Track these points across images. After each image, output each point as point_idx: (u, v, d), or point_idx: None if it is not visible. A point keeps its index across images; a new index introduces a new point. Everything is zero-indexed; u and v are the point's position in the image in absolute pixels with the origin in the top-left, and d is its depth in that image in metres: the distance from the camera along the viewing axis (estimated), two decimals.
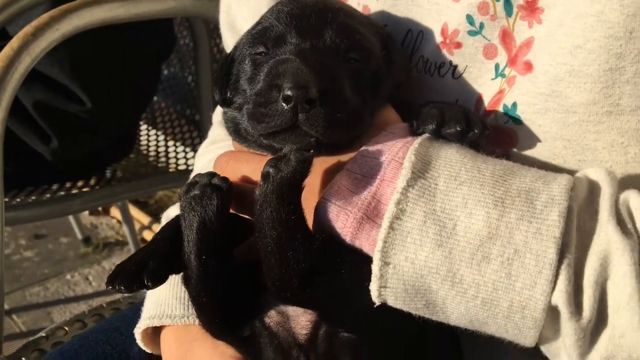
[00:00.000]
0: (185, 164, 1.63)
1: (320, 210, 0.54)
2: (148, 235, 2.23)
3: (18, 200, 1.38)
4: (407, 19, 0.70)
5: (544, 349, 0.53)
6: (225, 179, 0.58)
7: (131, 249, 2.08)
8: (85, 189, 1.46)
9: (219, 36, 1.37)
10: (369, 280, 0.51)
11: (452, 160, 0.52)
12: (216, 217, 0.55)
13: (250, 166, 0.63)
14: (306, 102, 0.53)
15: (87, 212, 2.50)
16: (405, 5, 0.70)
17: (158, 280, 0.56)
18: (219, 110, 1.00)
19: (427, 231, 0.49)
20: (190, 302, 0.67)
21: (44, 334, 0.99)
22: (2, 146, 1.02)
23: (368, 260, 0.52)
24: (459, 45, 0.64)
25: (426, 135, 0.56)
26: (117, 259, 2.25)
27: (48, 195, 1.41)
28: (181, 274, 0.59)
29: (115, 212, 2.46)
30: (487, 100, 0.63)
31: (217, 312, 0.59)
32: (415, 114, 0.59)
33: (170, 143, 1.72)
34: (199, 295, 0.57)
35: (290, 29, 0.59)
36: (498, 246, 0.48)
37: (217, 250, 0.56)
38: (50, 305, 2.08)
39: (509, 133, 0.60)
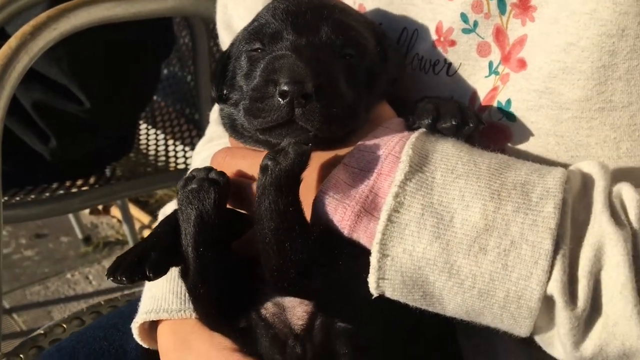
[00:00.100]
0: (185, 162, 1.63)
1: (319, 204, 0.55)
2: None
3: (17, 198, 1.38)
4: (402, 17, 0.71)
5: (538, 338, 0.54)
6: (222, 173, 0.59)
7: None
8: (84, 188, 1.47)
9: (218, 35, 1.38)
10: (366, 271, 0.52)
11: (448, 154, 0.53)
12: (213, 211, 0.56)
13: (246, 162, 0.63)
14: (302, 97, 0.54)
15: (87, 212, 2.51)
16: (400, 3, 0.70)
17: (159, 271, 0.57)
18: (215, 108, 1.00)
19: (425, 223, 0.50)
20: (186, 297, 0.67)
21: (42, 332, 0.99)
22: (0, 144, 1.02)
23: (365, 252, 0.53)
24: (453, 43, 0.65)
25: (422, 129, 0.56)
26: None
27: (47, 194, 1.41)
28: (179, 266, 0.60)
29: (115, 211, 2.47)
30: (481, 97, 0.63)
31: (214, 304, 0.60)
32: (411, 109, 0.59)
33: (170, 142, 1.73)
34: (196, 287, 0.58)
35: (286, 26, 0.60)
36: (495, 238, 0.49)
37: (214, 243, 0.57)
38: (50, 304, 2.09)
39: (502, 129, 0.61)
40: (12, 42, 0.99)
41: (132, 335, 0.73)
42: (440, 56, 0.66)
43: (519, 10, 0.59)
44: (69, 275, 2.22)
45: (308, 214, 0.56)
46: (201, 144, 0.95)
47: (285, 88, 0.54)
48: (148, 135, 1.77)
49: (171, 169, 1.63)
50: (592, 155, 0.57)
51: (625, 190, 0.52)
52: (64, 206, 1.43)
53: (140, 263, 0.56)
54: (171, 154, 1.69)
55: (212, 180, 0.58)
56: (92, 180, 1.51)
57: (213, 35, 1.51)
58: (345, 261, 0.54)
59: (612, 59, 0.53)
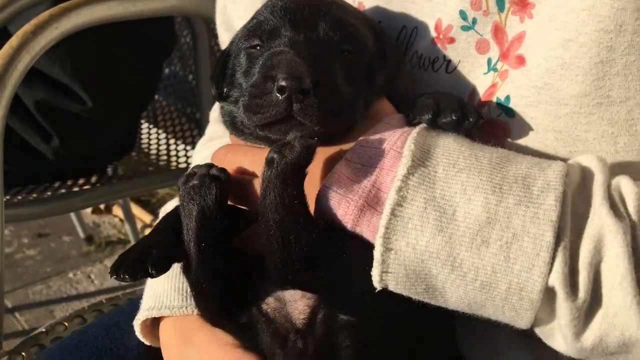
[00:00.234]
0: (186, 162, 1.64)
1: (322, 198, 0.55)
2: None
3: (19, 197, 1.39)
4: (401, 15, 0.71)
5: (538, 330, 0.54)
6: (223, 170, 0.60)
7: None
8: (86, 187, 1.47)
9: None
10: (369, 265, 0.52)
11: (450, 148, 0.54)
12: (215, 207, 0.57)
13: (247, 158, 0.64)
14: (300, 92, 0.55)
15: (89, 211, 2.52)
16: (399, 1, 0.70)
17: (162, 268, 0.57)
18: (216, 107, 1.01)
19: (428, 217, 0.51)
20: (188, 293, 0.68)
21: (43, 329, 1.00)
22: (2, 143, 1.02)
23: (368, 246, 0.53)
24: (452, 40, 0.65)
25: (423, 125, 0.57)
26: None
27: (49, 193, 1.42)
28: (181, 263, 0.60)
29: (117, 210, 2.47)
30: (480, 94, 0.64)
31: (216, 299, 0.60)
32: (411, 105, 0.60)
33: (172, 141, 1.73)
34: (199, 282, 0.59)
35: (284, 22, 0.60)
36: (497, 230, 0.50)
37: (216, 238, 0.58)
38: (52, 303, 2.09)
39: (501, 125, 0.61)
40: (13, 41, 1.00)
41: (133, 332, 0.73)
42: (439, 53, 0.66)
43: (518, 8, 0.60)
44: (71, 275, 2.23)
45: (311, 208, 0.56)
46: (201, 143, 0.96)
47: (283, 83, 0.54)
48: (150, 134, 1.78)
49: (173, 168, 1.63)
50: (590, 150, 0.57)
51: (624, 183, 0.53)
52: (66, 205, 1.44)
53: (142, 260, 0.57)
54: (173, 153, 1.69)
55: (213, 176, 0.58)
56: (94, 179, 1.51)
57: (214, 34, 1.51)
58: (349, 254, 0.54)
59: (610, 54, 0.53)
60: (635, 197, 0.51)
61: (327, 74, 0.57)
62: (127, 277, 0.55)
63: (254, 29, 0.63)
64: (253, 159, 0.63)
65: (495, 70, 0.62)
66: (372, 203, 0.54)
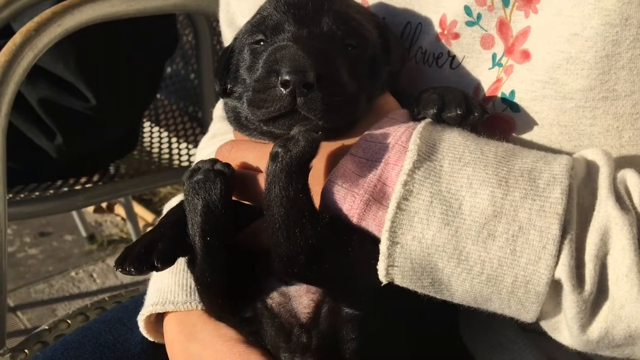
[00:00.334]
0: (188, 160, 1.64)
1: (327, 192, 0.55)
2: None
3: (22, 195, 1.39)
4: (405, 11, 0.71)
5: (543, 324, 0.55)
6: (227, 165, 0.60)
7: None
8: (88, 185, 1.47)
9: (221, 33, 1.39)
10: (374, 259, 0.52)
11: (455, 142, 0.54)
12: (220, 201, 0.57)
13: (252, 154, 0.64)
14: (304, 86, 0.55)
15: (91, 210, 2.52)
16: None
17: (167, 261, 0.57)
18: (219, 105, 1.01)
19: (434, 211, 0.51)
20: (192, 289, 0.68)
21: (46, 327, 1.00)
22: (4, 141, 1.02)
23: (373, 240, 0.53)
24: (456, 35, 0.65)
25: (428, 119, 0.57)
26: None
27: (52, 191, 1.42)
28: (185, 258, 0.60)
29: (119, 209, 2.48)
30: (484, 89, 0.64)
31: (220, 293, 0.60)
32: (416, 100, 0.60)
33: (173, 140, 1.73)
34: (203, 276, 0.59)
35: (288, 17, 0.61)
36: (503, 224, 0.50)
37: (221, 232, 0.58)
38: (54, 302, 2.09)
39: (506, 120, 0.61)
40: (16, 38, 1.00)
41: (137, 328, 0.74)
42: (444, 49, 0.66)
43: (522, 3, 0.60)
44: (73, 274, 2.23)
45: (315, 203, 0.56)
46: (205, 140, 0.96)
47: (287, 78, 0.54)
48: (152, 133, 1.78)
49: (175, 166, 1.63)
50: (595, 144, 0.57)
51: (629, 176, 0.53)
52: (69, 203, 1.43)
53: (148, 253, 0.57)
54: (175, 151, 1.69)
55: (218, 171, 0.58)
56: (96, 177, 1.51)
57: (216, 32, 1.52)
58: (354, 248, 0.54)
59: (615, 48, 0.53)
60: None
61: (331, 68, 0.57)
62: (132, 270, 0.56)
63: (258, 25, 0.63)
64: (257, 155, 0.63)
65: (500, 65, 0.62)
66: (377, 197, 0.54)
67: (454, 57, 0.66)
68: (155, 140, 1.75)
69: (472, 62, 0.64)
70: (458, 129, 0.56)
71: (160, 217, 0.67)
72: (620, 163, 0.56)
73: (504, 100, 0.61)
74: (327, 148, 0.60)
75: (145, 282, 0.78)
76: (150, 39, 1.43)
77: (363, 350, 0.57)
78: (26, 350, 0.97)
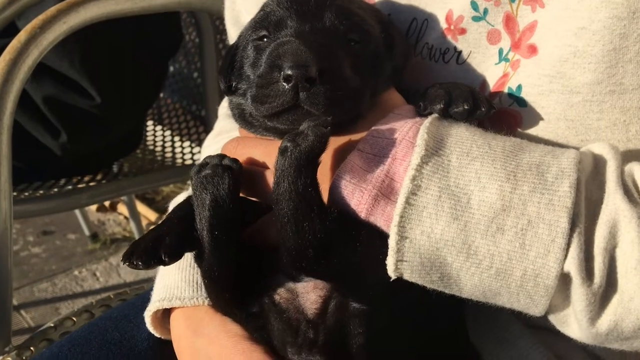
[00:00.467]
0: (192, 159, 1.64)
1: (335, 188, 0.55)
2: None
3: (26, 194, 1.39)
4: (411, 7, 0.71)
5: (552, 317, 0.55)
6: (235, 160, 0.60)
7: None
8: (92, 184, 1.47)
9: (224, 31, 1.39)
10: (382, 254, 0.52)
11: (463, 137, 0.54)
12: (228, 196, 0.57)
13: (258, 150, 0.64)
14: (306, 80, 0.55)
15: (94, 209, 2.52)
16: None
17: (174, 255, 0.57)
18: (224, 103, 1.01)
19: (443, 205, 0.51)
20: (199, 284, 0.68)
21: (52, 324, 1.00)
22: (10, 139, 1.03)
23: (382, 235, 0.53)
24: (463, 31, 0.65)
25: (435, 115, 0.57)
26: None
27: (55, 190, 1.42)
28: (192, 254, 0.61)
29: (122, 208, 2.48)
30: (491, 84, 0.64)
31: (227, 288, 0.60)
32: (422, 96, 0.60)
33: (177, 138, 1.73)
34: (211, 270, 0.59)
35: (290, 13, 0.61)
36: (512, 217, 0.50)
37: (228, 227, 0.58)
38: (58, 300, 2.10)
39: (513, 115, 0.61)
40: (21, 35, 1.00)
41: (143, 325, 0.74)
42: (450, 45, 0.66)
43: None
44: (76, 272, 2.23)
45: (324, 199, 0.56)
46: (210, 138, 0.96)
47: (289, 72, 0.55)
48: (155, 131, 1.78)
49: (178, 165, 1.63)
50: (602, 138, 0.57)
51: (636, 169, 0.53)
52: (72, 201, 1.44)
53: (155, 248, 0.57)
54: (178, 150, 1.69)
55: (225, 166, 0.59)
56: (99, 176, 1.51)
57: (220, 31, 1.52)
58: (363, 243, 0.54)
59: (622, 41, 0.53)
60: None
61: (333, 62, 0.57)
62: (140, 264, 0.56)
63: (261, 21, 0.64)
64: (263, 151, 0.63)
65: (506, 60, 0.62)
66: (385, 192, 0.54)
67: (460, 52, 0.66)
68: (159, 139, 1.76)
69: (478, 57, 0.65)
70: (465, 124, 0.56)
71: (167, 213, 0.67)
72: (628, 157, 0.57)
73: (510, 95, 0.61)
74: (334, 144, 0.60)
75: (150, 281, 0.78)
76: (155, 37, 1.43)
77: (370, 346, 0.57)
78: (32, 348, 0.97)
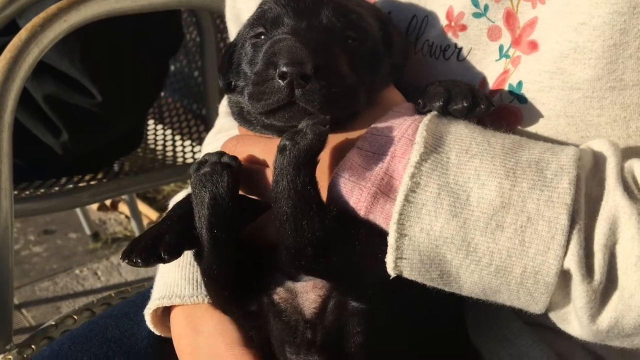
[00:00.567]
0: (192, 157, 1.64)
1: (334, 186, 0.55)
2: None
3: (27, 193, 1.39)
4: (412, 4, 0.71)
5: (552, 315, 0.54)
6: (234, 158, 0.60)
7: None
8: (93, 182, 1.47)
9: (225, 30, 1.39)
10: (382, 252, 0.52)
11: (462, 134, 0.54)
12: (227, 194, 0.57)
13: (257, 148, 0.64)
14: (301, 77, 0.55)
15: (95, 208, 2.52)
16: None
17: (174, 253, 0.57)
18: (224, 101, 1.01)
19: (442, 202, 0.51)
20: (198, 283, 0.68)
21: (53, 323, 1.00)
22: (10, 138, 1.03)
23: (381, 233, 0.53)
24: (463, 27, 0.65)
25: (434, 112, 0.57)
26: None
27: (56, 188, 1.42)
28: (192, 251, 0.61)
29: (123, 207, 2.48)
30: (491, 81, 0.64)
31: (227, 286, 0.60)
32: (421, 93, 0.60)
33: (177, 137, 1.73)
34: (210, 268, 0.59)
35: (287, 10, 0.61)
36: (511, 214, 0.50)
37: (228, 225, 0.58)
38: (59, 299, 2.10)
39: (513, 112, 0.61)
40: (22, 34, 1.00)
41: (143, 323, 0.74)
42: (451, 41, 0.66)
43: None
44: (77, 271, 2.23)
45: (323, 197, 0.56)
46: (210, 135, 0.96)
47: (284, 69, 0.55)
48: (156, 130, 1.78)
49: (179, 164, 1.63)
50: (602, 135, 0.57)
51: (637, 165, 0.53)
52: (73, 200, 1.44)
53: (155, 246, 0.57)
54: (178, 149, 1.70)
55: (225, 164, 0.58)
56: (100, 175, 1.51)
57: (220, 29, 1.52)
58: (362, 241, 0.54)
59: (623, 37, 0.53)
60: None
61: (329, 59, 0.57)
62: (139, 261, 0.56)
63: (258, 18, 0.64)
64: (263, 149, 0.63)
65: (507, 56, 0.62)
66: (384, 190, 0.54)
67: (461, 49, 0.66)
68: (160, 137, 1.76)
69: (479, 54, 0.64)
70: (464, 122, 0.56)
71: (167, 211, 0.67)
72: (628, 153, 0.56)
73: (511, 91, 0.61)
74: (333, 142, 0.60)
75: (151, 280, 0.78)
76: (155, 36, 1.43)
77: (369, 345, 0.57)
78: (33, 346, 0.97)
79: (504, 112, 0.61)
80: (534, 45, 0.59)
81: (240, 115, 0.68)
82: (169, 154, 1.69)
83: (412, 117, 0.57)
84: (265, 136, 0.66)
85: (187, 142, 1.70)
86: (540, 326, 0.65)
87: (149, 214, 2.41)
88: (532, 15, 0.60)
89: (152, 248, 0.57)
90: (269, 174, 0.60)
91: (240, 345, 0.62)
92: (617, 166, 0.52)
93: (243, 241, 0.61)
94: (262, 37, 0.63)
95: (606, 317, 0.49)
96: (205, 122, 1.64)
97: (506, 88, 0.61)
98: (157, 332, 0.74)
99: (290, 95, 0.55)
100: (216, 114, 1.07)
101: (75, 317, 1.02)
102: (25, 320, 2.01)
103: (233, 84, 0.68)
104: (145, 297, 0.76)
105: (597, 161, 0.54)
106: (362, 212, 0.54)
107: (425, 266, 0.52)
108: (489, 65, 0.64)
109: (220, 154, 0.60)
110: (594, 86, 0.55)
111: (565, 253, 0.49)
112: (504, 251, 0.50)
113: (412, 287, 0.54)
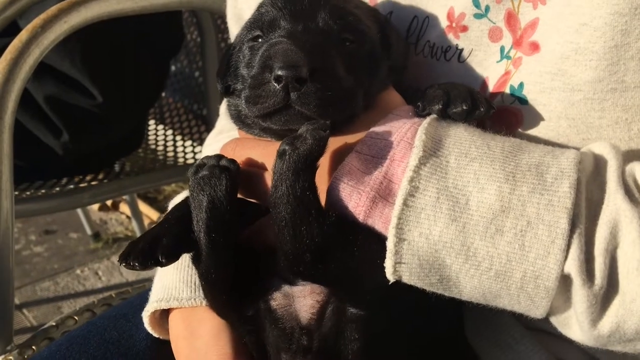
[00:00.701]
0: (193, 158, 1.64)
1: (333, 190, 0.55)
2: None
3: (28, 193, 1.39)
4: (412, 5, 0.71)
5: (553, 319, 0.54)
6: (233, 161, 0.59)
7: None
8: (93, 183, 1.47)
9: (226, 30, 1.39)
10: (380, 257, 0.52)
11: (461, 138, 0.53)
12: (225, 198, 0.56)
13: (256, 151, 0.63)
14: (296, 81, 0.54)
15: (96, 208, 2.53)
16: None
17: (172, 256, 0.57)
18: (225, 101, 1.01)
19: (441, 207, 0.50)
20: (196, 285, 0.68)
21: (53, 323, 1.00)
22: (11, 138, 1.02)
23: (380, 238, 0.53)
24: (465, 28, 0.64)
25: (433, 115, 0.56)
26: None
27: (57, 189, 1.42)
28: (190, 254, 0.60)
29: (124, 207, 2.48)
30: (493, 83, 0.63)
31: (224, 290, 0.60)
32: (421, 96, 0.59)
33: (178, 137, 1.74)
34: (208, 272, 0.58)
35: (284, 13, 0.61)
36: (511, 219, 0.49)
37: (226, 229, 0.57)
38: (60, 299, 2.10)
39: (514, 113, 0.61)
40: (23, 35, 1.00)
41: (141, 324, 0.74)
42: (452, 42, 0.66)
43: None
44: (78, 271, 2.24)
45: (321, 202, 0.55)
46: (211, 136, 0.96)
47: (280, 73, 0.54)
48: (157, 131, 1.78)
49: (179, 164, 1.63)
50: (604, 137, 0.57)
51: (638, 168, 0.52)
52: (74, 201, 1.44)
53: (152, 249, 0.56)
54: (179, 149, 1.70)
55: (223, 167, 0.58)
56: (101, 175, 1.51)
57: (221, 30, 1.52)
58: (361, 246, 0.54)
59: (624, 38, 0.53)
60: None
61: (325, 62, 0.57)
62: (136, 264, 0.55)
63: (255, 21, 0.64)
64: (262, 152, 0.63)
65: (508, 58, 0.62)
66: (383, 194, 0.53)
67: (462, 50, 0.65)
68: (160, 138, 1.76)
69: (480, 55, 0.64)
70: (464, 125, 0.56)
71: (166, 213, 0.67)
72: (629, 156, 0.56)
73: (512, 93, 0.60)
74: (332, 145, 0.59)
75: (151, 280, 0.78)
76: (156, 37, 1.43)
77: (367, 351, 0.57)
78: (33, 347, 0.97)
79: (504, 114, 0.61)
80: (535, 47, 0.59)
81: (239, 119, 0.67)
82: (170, 154, 1.69)
83: (411, 120, 0.57)
84: (265, 139, 0.66)
85: (188, 143, 1.70)
86: (541, 331, 0.64)
87: (150, 214, 2.41)
88: (533, 16, 0.59)
89: (149, 251, 0.56)
90: (268, 177, 0.59)
91: (232, 357, 0.62)
92: (618, 169, 0.51)
93: (241, 244, 0.60)
94: (259, 40, 0.62)
95: (607, 322, 0.49)
96: (206, 123, 1.64)
97: (507, 89, 0.61)
98: (155, 335, 0.74)
99: (286, 98, 0.55)
100: (217, 115, 1.07)
101: (76, 317, 1.02)
102: (26, 320, 2.01)
103: (231, 87, 0.67)
104: (144, 298, 0.75)
105: (598, 164, 0.53)
106: (361, 217, 0.54)
107: (424, 271, 0.51)
108: (490, 66, 0.63)
109: (219, 157, 0.60)
110: (595, 88, 0.55)
111: (566, 257, 0.48)
112: (503, 256, 0.49)
113: (411, 292, 0.54)
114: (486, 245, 0.49)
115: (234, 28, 0.94)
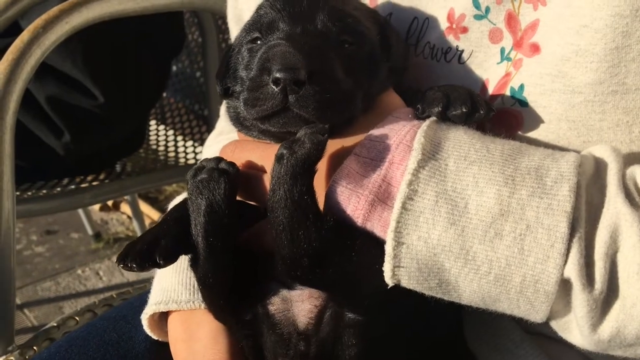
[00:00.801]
0: (194, 158, 1.64)
1: (332, 194, 0.54)
2: None
3: (29, 193, 1.39)
4: (412, 6, 0.70)
5: (553, 324, 0.54)
6: (232, 164, 0.59)
7: None
8: (95, 183, 1.48)
9: (227, 31, 1.38)
10: (379, 262, 0.52)
11: (461, 141, 0.53)
12: (224, 201, 0.56)
13: (255, 154, 0.63)
14: (294, 83, 0.54)
15: (97, 208, 2.53)
16: None
17: (170, 258, 0.57)
18: (225, 103, 1.01)
19: (439, 210, 0.50)
20: (195, 288, 0.68)
21: (55, 324, 1.00)
22: (13, 138, 1.03)
23: (378, 243, 0.52)
24: (465, 29, 0.64)
25: (433, 118, 0.56)
26: None
27: (59, 189, 1.42)
28: (188, 257, 0.60)
29: (125, 207, 2.48)
30: (493, 84, 0.63)
31: (222, 294, 0.60)
32: (420, 98, 0.59)
33: (179, 138, 1.74)
34: (206, 277, 0.58)
35: (283, 15, 0.60)
36: (510, 222, 0.49)
37: (224, 233, 0.57)
38: (61, 299, 2.10)
39: (515, 115, 0.60)
40: (24, 35, 1.00)
41: (141, 326, 0.73)
42: (452, 44, 0.66)
43: None
44: (79, 271, 2.24)
45: (319, 205, 0.55)
46: (211, 137, 0.96)
47: (278, 75, 0.54)
48: (158, 131, 1.78)
49: (180, 164, 1.63)
50: (605, 139, 0.56)
51: (638, 172, 0.52)
52: (75, 201, 1.44)
53: (150, 250, 0.56)
54: (180, 149, 1.70)
55: (222, 170, 0.58)
56: (102, 175, 1.52)
57: (222, 30, 1.52)
58: (359, 251, 0.53)
59: (625, 40, 0.52)
60: None
61: (324, 64, 0.57)
62: (134, 266, 0.55)
63: (254, 23, 0.63)
64: (261, 155, 0.63)
65: (508, 59, 0.61)
66: (382, 198, 0.53)
67: (462, 51, 0.65)
68: (162, 138, 1.76)
69: (480, 56, 0.64)
70: (463, 127, 0.55)
71: (165, 214, 0.67)
72: (630, 158, 0.56)
73: (512, 94, 0.60)
74: (330, 148, 0.59)
75: (152, 280, 0.78)
76: (157, 37, 1.43)
77: (364, 356, 0.56)
78: (35, 347, 0.97)
79: (504, 116, 0.61)
80: (535, 48, 0.59)
81: (238, 121, 0.67)
82: (171, 154, 1.69)
83: (411, 122, 0.56)
84: (264, 142, 0.66)
85: (189, 143, 1.70)
86: (541, 335, 0.64)
87: (151, 214, 2.41)
88: (533, 18, 0.59)
89: (147, 252, 0.56)
90: (267, 180, 0.59)
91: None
92: (618, 173, 0.51)
93: (240, 247, 0.60)
94: (258, 42, 0.62)
95: (607, 327, 0.49)
96: (207, 123, 1.64)
97: (508, 91, 0.61)
98: (154, 337, 0.74)
99: (284, 101, 0.55)
100: (218, 115, 1.07)
101: (77, 318, 1.02)
102: (27, 320, 2.01)
103: (230, 89, 0.67)
104: (143, 300, 0.75)
105: (599, 168, 0.53)
106: (359, 220, 0.53)
107: (423, 275, 0.51)
108: (491, 67, 0.63)
109: (218, 159, 0.60)
110: (596, 90, 0.55)
111: (566, 262, 0.48)
112: (502, 259, 0.49)
113: (410, 296, 0.53)
114: (485, 249, 0.49)
115: (235, 29, 0.94)
